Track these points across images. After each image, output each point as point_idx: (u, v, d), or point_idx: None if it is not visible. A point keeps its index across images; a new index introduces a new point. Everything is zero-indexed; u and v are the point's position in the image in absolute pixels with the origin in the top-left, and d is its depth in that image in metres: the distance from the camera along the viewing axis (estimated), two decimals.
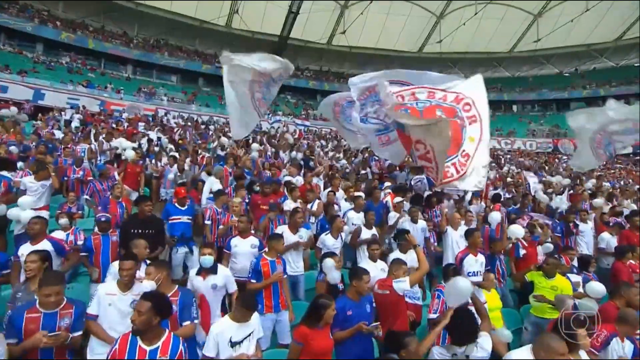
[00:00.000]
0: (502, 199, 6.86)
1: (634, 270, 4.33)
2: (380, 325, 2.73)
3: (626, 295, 3.02)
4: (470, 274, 3.82)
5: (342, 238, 4.41)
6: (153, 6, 29.13)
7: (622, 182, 13.26)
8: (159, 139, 10.79)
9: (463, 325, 2.49)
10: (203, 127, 16.04)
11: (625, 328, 2.58)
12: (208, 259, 3.19)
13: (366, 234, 4.51)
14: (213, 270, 3.24)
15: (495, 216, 5.17)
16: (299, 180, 6.19)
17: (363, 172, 8.23)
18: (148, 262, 3.11)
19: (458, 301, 2.66)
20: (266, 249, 3.64)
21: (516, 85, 36.25)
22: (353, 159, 9.87)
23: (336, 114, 7.58)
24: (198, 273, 3.24)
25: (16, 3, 24.07)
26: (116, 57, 27.98)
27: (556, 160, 20.33)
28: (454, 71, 37.76)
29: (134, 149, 7.41)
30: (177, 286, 2.79)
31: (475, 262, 3.95)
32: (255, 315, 2.59)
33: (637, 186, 10.43)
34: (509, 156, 21.03)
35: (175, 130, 13.52)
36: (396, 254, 4.08)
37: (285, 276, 3.59)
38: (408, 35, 33.68)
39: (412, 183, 6.50)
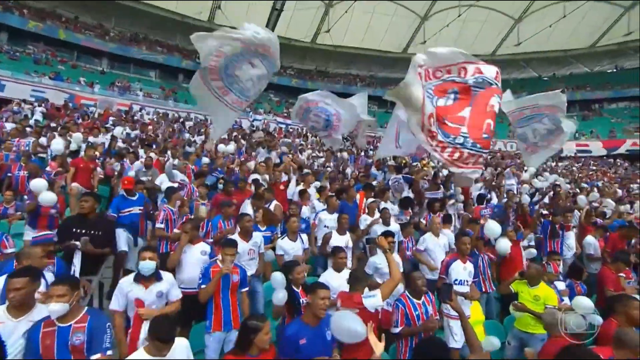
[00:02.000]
0: (486, 200, 6.59)
1: (627, 276, 4.04)
2: (341, 353, 2.26)
3: (623, 309, 2.65)
4: (457, 282, 3.40)
5: (302, 240, 3.96)
6: None
7: (600, 184, 13.37)
8: (127, 134, 10.14)
9: None
10: (176, 124, 15.23)
11: (623, 352, 2.17)
12: (148, 265, 2.68)
13: (337, 240, 4.00)
14: (157, 276, 2.75)
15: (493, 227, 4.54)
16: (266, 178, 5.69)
17: (330, 170, 7.83)
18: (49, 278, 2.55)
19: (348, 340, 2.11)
20: (219, 256, 3.14)
21: None
22: (333, 158, 9.47)
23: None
24: (137, 281, 2.71)
25: None
26: (91, 50, 26.68)
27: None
28: None
29: (90, 144, 6.80)
30: (85, 309, 2.23)
31: (464, 270, 3.50)
32: (182, 346, 2.08)
33: (617, 188, 10.45)
34: (489, 157, 21.10)
35: (147, 126, 12.81)
36: (379, 257, 3.65)
37: (246, 289, 3.09)
38: (392, 36, 33.64)
39: (390, 183, 6.13)
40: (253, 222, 3.83)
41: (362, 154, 11.53)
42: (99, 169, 5.97)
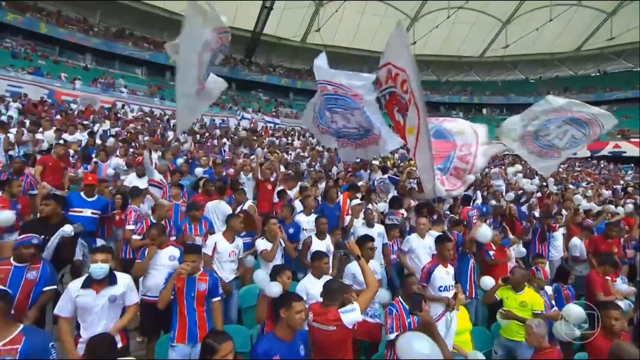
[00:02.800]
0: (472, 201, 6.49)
1: (612, 279, 3.97)
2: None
3: (603, 319, 2.52)
4: (441, 289, 3.21)
5: (280, 242, 3.74)
6: None
7: (584, 184, 13.52)
8: (104, 131, 9.80)
9: None
10: (158, 122, 14.80)
11: None
12: (99, 268, 2.41)
13: (317, 245, 3.78)
14: (111, 280, 2.50)
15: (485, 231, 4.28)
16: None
17: (317, 170, 7.63)
18: None
19: None
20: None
21: (486, 89, 37.34)
22: (319, 158, 9.28)
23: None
24: (86, 285, 2.43)
25: None
26: (74, 45, 25.91)
27: (521, 162, 20.70)
28: (426, 73, 38.42)
29: (64, 142, 6.49)
30: (20, 327, 1.95)
31: (447, 275, 3.27)
32: None
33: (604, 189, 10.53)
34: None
35: (129, 123, 12.42)
36: (354, 265, 3.39)
37: (218, 299, 2.85)
38: (382, 36, 33.53)
39: (375, 183, 5.97)
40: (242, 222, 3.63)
41: None
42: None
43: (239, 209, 4.37)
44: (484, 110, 37.68)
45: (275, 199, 5.24)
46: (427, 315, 2.46)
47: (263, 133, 15.29)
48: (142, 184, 4.61)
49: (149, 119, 16.08)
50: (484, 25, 32.97)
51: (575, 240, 5.41)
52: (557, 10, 29.84)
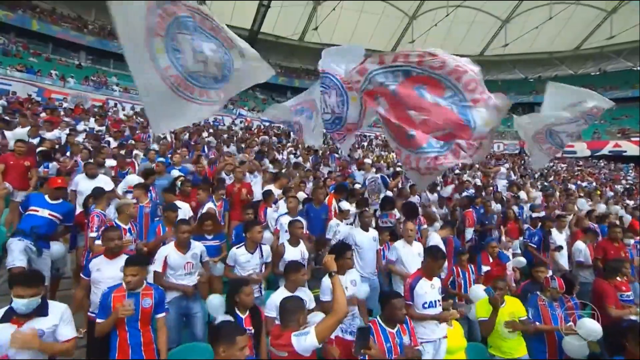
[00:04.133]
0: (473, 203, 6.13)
1: (619, 289, 3.63)
2: None
3: (631, 347, 2.16)
4: (427, 306, 2.84)
5: (261, 253, 3.34)
6: None
7: (584, 184, 13.18)
8: (91, 129, 9.42)
9: None
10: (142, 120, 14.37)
11: None
12: (24, 304, 1.94)
13: (290, 253, 3.39)
14: (41, 311, 2.03)
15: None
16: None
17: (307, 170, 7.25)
18: None
19: None
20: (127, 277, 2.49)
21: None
22: (311, 156, 8.92)
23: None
24: (5, 319, 1.95)
25: None
26: (68, 43, 25.56)
27: (521, 161, 20.38)
28: None
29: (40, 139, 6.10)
30: None
31: (432, 289, 2.89)
32: None
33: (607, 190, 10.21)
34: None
35: (119, 123, 12.04)
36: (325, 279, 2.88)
37: (163, 315, 2.49)
38: (381, 35, 33.38)
39: (366, 183, 5.61)
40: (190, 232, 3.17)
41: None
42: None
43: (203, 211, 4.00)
44: None
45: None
46: (378, 353, 2.14)
47: (256, 132, 14.94)
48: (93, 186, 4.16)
49: (140, 118, 15.72)
50: (483, 23, 32.66)
51: (579, 245, 5.07)
52: (557, 9, 29.56)
